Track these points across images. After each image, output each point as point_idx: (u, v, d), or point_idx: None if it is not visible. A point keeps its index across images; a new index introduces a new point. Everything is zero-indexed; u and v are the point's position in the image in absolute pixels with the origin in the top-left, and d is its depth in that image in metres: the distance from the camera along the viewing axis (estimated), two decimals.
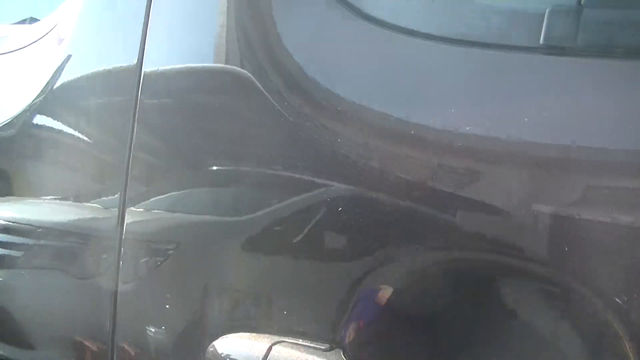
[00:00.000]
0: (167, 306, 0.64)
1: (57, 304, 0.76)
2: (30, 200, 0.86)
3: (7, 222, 0.83)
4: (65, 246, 0.77)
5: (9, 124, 0.84)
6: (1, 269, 0.83)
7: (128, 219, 0.69)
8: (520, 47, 0.50)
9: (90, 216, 0.75)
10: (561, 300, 0.47)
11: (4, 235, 0.83)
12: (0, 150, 0.87)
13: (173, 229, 0.67)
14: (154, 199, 0.68)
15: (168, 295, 0.65)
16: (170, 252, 0.66)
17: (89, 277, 0.72)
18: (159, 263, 0.67)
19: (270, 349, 0.55)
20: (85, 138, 0.78)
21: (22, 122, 0.83)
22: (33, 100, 0.81)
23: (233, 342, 0.59)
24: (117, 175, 0.70)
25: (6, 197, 0.88)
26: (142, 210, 0.69)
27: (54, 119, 0.81)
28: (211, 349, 0.60)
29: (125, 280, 0.67)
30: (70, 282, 0.75)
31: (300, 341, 0.56)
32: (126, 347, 0.66)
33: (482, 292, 0.50)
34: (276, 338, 0.57)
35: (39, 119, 0.83)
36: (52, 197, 0.83)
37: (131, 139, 0.68)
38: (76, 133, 0.79)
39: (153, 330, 0.65)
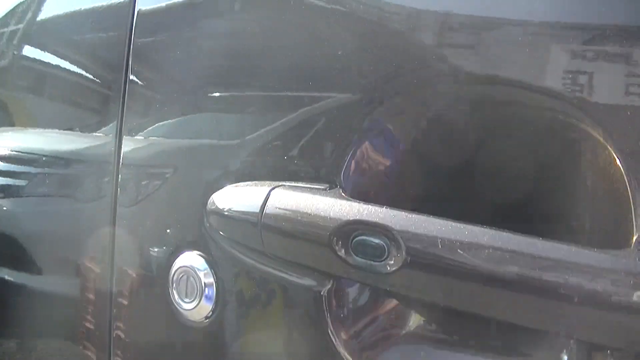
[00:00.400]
0: (168, 231, 0.65)
1: (60, 229, 0.77)
2: (32, 130, 0.86)
3: (11, 152, 0.84)
4: (67, 173, 0.78)
5: None
6: (6, 197, 0.84)
7: (125, 147, 0.69)
8: None
9: (90, 144, 0.76)
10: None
11: (7, 164, 0.84)
12: None
13: (170, 154, 0.67)
14: (150, 127, 0.68)
15: (167, 222, 0.66)
16: (167, 175, 0.66)
17: (90, 201, 0.73)
18: (157, 187, 0.67)
19: (269, 194, 0.54)
20: (80, 71, 0.77)
21: (11, 53, 0.82)
22: (10, 26, 0.80)
23: (232, 192, 0.58)
24: (114, 105, 0.70)
25: (7, 128, 0.88)
26: (138, 137, 0.69)
27: (44, 51, 0.81)
28: (212, 207, 0.59)
29: (123, 204, 0.68)
30: (73, 208, 0.76)
31: (300, 184, 0.54)
32: (125, 268, 0.67)
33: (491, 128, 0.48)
34: (275, 183, 0.55)
35: (28, 51, 0.82)
36: (53, 126, 0.83)
37: (126, 70, 0.68)
38: (70, 66, 0.78)
39: (155, 250, 0.65)
